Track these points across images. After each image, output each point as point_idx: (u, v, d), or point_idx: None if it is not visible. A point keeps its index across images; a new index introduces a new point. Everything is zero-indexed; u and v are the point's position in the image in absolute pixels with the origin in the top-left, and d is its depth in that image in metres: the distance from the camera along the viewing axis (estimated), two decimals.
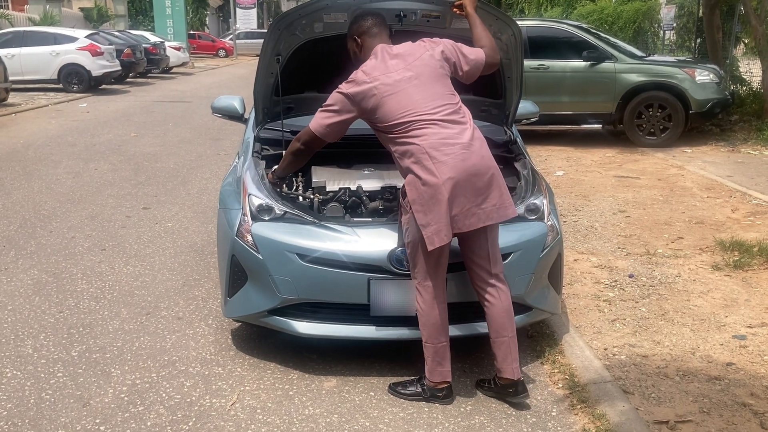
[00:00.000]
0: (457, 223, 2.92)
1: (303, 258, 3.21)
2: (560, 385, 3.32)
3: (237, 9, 42.01)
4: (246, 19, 43.52)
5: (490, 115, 4.28)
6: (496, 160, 3.08)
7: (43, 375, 3.38)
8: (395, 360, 3.48)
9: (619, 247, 5.31)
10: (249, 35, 40.43)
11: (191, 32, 37.70)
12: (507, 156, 3.97)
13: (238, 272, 3.40)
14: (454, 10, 3.42)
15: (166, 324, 3.97)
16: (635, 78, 9.59)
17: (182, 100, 16.21)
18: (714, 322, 3.98)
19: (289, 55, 3.85)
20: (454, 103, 3.05)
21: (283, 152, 3.54)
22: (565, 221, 5.95)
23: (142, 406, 3.11)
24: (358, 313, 3.27)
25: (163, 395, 3.21)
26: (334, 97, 3.12)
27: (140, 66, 21.42)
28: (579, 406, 3.11)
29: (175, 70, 26.58)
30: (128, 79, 21.25)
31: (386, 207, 3.56)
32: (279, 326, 3.37)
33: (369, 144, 3.55)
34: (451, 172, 2.87)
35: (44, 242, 5.44)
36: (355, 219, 3.48)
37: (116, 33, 23.52)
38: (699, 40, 14.91)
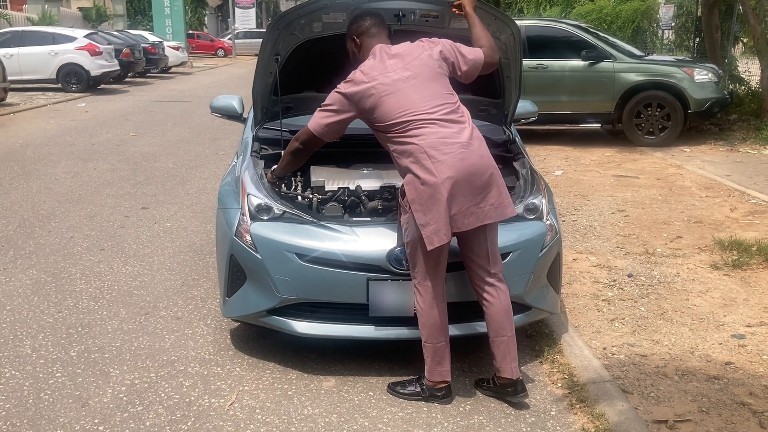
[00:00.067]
0: (456, 222, 2.92)
1: (302, 258, 3.20)
2: (559, 385, 3.32)
3: (236, 9, 41.96)
4: (245, 19, 43.51)
5: (489, 114, 4.28)
6: (494, 160, 3.08)
7: (41, 375, 3.38)
8: (394, 360, 3.48)
9: (617, 247, 5.31)
10: (248, 35, 40.43)
11: (190, 32, 37.68)
12: (506, 155, 3.97)
13: (237, 272, 3.40)
14: (453, 9, 3.42)
15: (164, 324, 3.97)
16: (634, 77, 9.60)
17: (181, 100, 16.21)
18: (713, 322, 3.98)
19: (288, 55, 3.85)
20: (453, 102, 3.05)
21: (282, 152, 3.54)
22: (563, 221, 5.95)
23: (141, 406, 3.11)
24: (357, 312, 3.26)
25: (162, 395, 3.21)
26: (332, 97, 3.13)
27: (139, 66, 21.41)
28: (578, 406, 3.11)
29: (173, 69, 26.57)
30: (127, 79, 21.23)
31: (385, 206, 3.55)
32: (278, 326, 3.37)
33: (368, 143, 3.54)
34: (449, 172, 2.87)
35: (43, 242, 5.43)
36: (354, 218, 3.48)
37: (115, 33, 23.49)
38: (698, 40, 14.92)
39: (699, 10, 13.84)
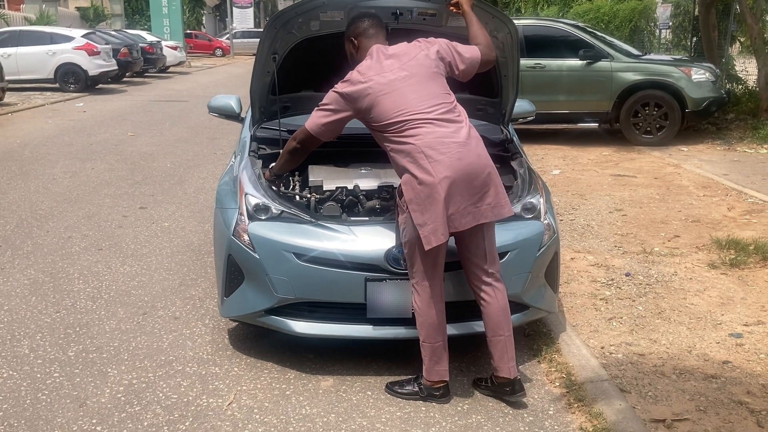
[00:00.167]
0: (453, 222, 2.92)
1: (300, 257, 3.20)
2: (557, 384, 3.32)
3: (234, 8, 41.95)
4: (243, 19, 43.47)
5: (487, 113, 4.28)
6: (492, 159, 3.08)
7: (39, 375, 3.38)
8: (392, 359, 3.48)
9: (615, 246, 5.32)
10: (246, 34, 40.40)
11: (188, 31, 37.65)
12: (503, 155, 3.97)
13: (235, 272, 3.39)
14: (451, 8, 3.42)
15: (162, 324, 3.97)
16: (631, 77, 9.61)
17: (179, 100, 16.19)
18: (710, 321, 3.98)
19: (286, 54, 3.84)
20: (450, 102, 3.05)
21: (280, 151, 3.54)
22: (561, 220, 5.95)
23: (139, 406, 3.11)
24: (355, 312, 3.26)
25: (160, 395, 3.20)
26: (329, 97, 3.13)
27: (137, 65, 21.37)
28: (576, 405, 3.11)
29: (171, 69, 26.54)
30: (125, 79, 21.21)
31: (383, 206, 3.55)
32: (276, 326, 3.37)
33: (366, 143, 3.54)
34: (447, 171, 2.87)
35: (41, 242, 5.43)
36: (352, 218, 3.48)
37: (113, 32, 23.47)
38: (695, 39, 14.93)
39: (696, 10, 13.84)
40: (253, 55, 4.11)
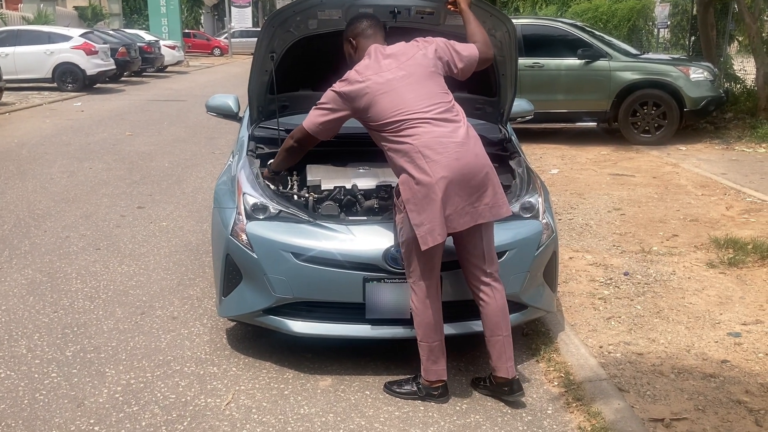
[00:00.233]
0: (451, 222, 2.91)
1: (298, 257, 3.20)
2: (555, 383, 3.32)
3: (232, 7, 41.92)
4: (241, 18, 43.43)
5: (485, 113, 4.27)
6: (490, 159, 3.07)
7: (37, 375, 3.37)
8: (391, 359, 3.47)
9: (614, 245, 5.32)
10: (244, 34, 40.37)
11: (186, 31, 37.62)
12: (502, 154, 3.97)
13: (233, 271, 3.39)
14: (449, 6, 3.41)
15: (160, 323, 3.96)
16: (630, 76, 9.61)
17: (177, 99, 16.18)
18: (709, 320, 3.98)
19: (284, 53, 3.84)
20: (447, 101, 3.05)
21: (278, 150, 3.54)
22: (560, 219, 5.95)
23: (137, 406, 3.10)
24: (354, 312, 3.26)
25: (158, 395, 3.20)
26: (327, 96, 3.13)
27: (135, 65, 21.34)
28: (574, 404, 3.11)
29: (169, 68, 26.52)
30: (123, 78, 21.18)
31: (381, 205, 3.55)
32: (274, 325, 3.36)
33: (364, 142, 3.54)
34: (444, 171, 2.87)
35: (38, 242, 5.42)
36: (350, 217, 3.47)
37: (111, 32, 23.44)
38: (693, 38, 14.95)
39: (694, 9, 13.85)
40: (251, 54, 4.10)
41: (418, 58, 3.08)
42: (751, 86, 11.87)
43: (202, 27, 46.16)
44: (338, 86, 3.09)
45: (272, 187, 3.54)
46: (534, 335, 3.78)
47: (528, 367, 3.49)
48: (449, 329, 3.21)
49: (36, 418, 3.00)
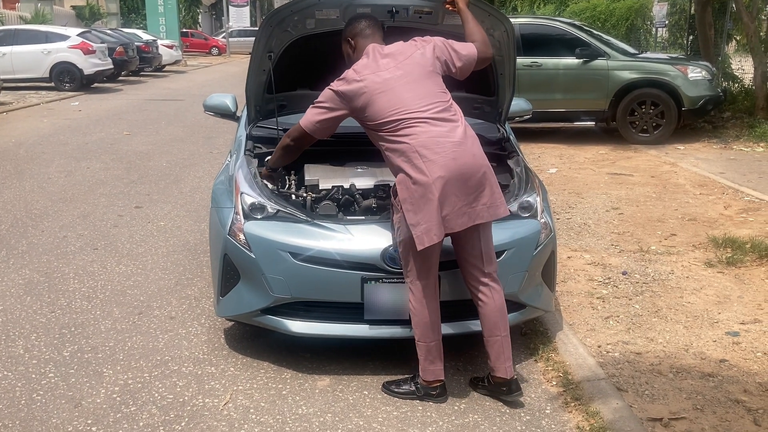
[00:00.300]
0: (449, 222, 2.91)
1: (296, 257, 3.19)
2: (554, 383, 3.31)
3: (230, 7, 41.86)
4: (239, 17, 43.36)
5: (483, 112, 4.27)
6: (488, 158, 3.07)
7: (34, 376, 3.36)
8: (389, 359, 3.47)
9: (612, 245, 5.32)
10: (242, 33, 40.33)
11: (184, 30, 37.60)
12: (500, 153, 3.97)
13: (231, 271, 3.38)
14: (447, 6, 3.41)
15: (158, 323, 3.95)
16: (628, 75, 9.62)
17: (175, 99, 16.16)
18: (707, 319, 3.98)
19: (281, 52, 3.83)
20: (445, 101, 3.04)
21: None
22: (558, 218, 5.95)
23: (135, 407, 3.09)
24: (352, 311, 3.25)
25: (156, 395, 3.19)
26: (325, 95, 3.12)
27: (132, 64, 21.31)
28: (573, 404, 3.11)
29: (167, 68, 26.49)
30: (120, 78, 21.15)
31: (379, 205, 3.54)
32: (272, 325, 3.36)
33: (362, 142, 3.53)
34: (441, 171, 2.86)
35: (36, 241, 5.41)
36: (348, 217, 3.47)
37: (108, 31, 23.41)
38: (691, 38, 14.95)
39: (692, 8, 13.87)
40: (249, 53, 4.09)
41: (416, 58, 3.07)
42: (749, 85, 11.89)
43: (200, 26, 46.15)
44: (336, 85, 3.08)
45: (270, 186, 3.53)
46: (532, 335, 3.77)
47: (526, 366, 3.49)
48: (447, 329, 3.21)
49: (33, 419, 3.00)
